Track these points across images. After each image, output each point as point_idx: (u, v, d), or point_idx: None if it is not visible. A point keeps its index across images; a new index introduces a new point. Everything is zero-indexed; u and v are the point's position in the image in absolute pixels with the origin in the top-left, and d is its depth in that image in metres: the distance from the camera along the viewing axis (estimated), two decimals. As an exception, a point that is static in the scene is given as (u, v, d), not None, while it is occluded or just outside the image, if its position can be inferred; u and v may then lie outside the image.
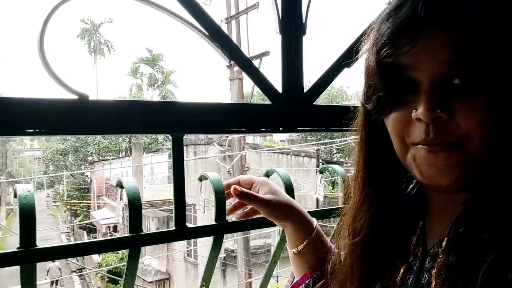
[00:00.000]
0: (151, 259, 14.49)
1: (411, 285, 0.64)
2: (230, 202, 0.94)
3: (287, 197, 0.89)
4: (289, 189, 1.00)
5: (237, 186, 0.83)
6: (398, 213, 0.70)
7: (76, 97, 0.77)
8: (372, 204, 0.69)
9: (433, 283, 0.60)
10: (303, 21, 1.02)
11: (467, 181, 0.57)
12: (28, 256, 0.73)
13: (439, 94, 0.54)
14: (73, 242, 0.80)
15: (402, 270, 0.66)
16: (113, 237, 0.83)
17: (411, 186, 0.73)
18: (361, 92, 0.67)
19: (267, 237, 12.61)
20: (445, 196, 0.64)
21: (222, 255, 11.44)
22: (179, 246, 13.44)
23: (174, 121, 0.85)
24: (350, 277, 0.72)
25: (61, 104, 0.75)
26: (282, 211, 0.86)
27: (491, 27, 0.52)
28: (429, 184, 0.61)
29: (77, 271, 19.35)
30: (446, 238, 0.60)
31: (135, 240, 0.82)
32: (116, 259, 15.48)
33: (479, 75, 0.53)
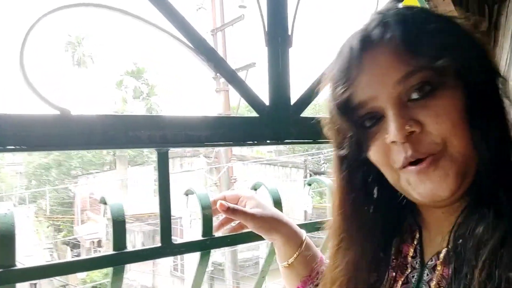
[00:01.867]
0: (137, 274, 14.21)
1: None
2: (217, 218, 0.92)
3: (274, 211, 0.88)
4: (277, 203, 0.99)
5: (223, 202, 0.82)
6: (392, 230, 0.70)
7: (57, 112, 0.75)
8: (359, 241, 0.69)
9: None
10: (289, 33, 1.03)
11: (464, 186, 0.58)
12: (7, 276, 0.70)
13: (404, 113, 0.56)
14: (54, 261, 0.78)
15: (400, 282, 0.66)
16: (96, 255, 0.81)
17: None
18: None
19: (255, 250, 12.52)
20: (442, 209, 0.64)
21: (209, 268, 11.30)
22: (166, 260, 13.23)
23: (159, 135, 0.84)
24: None
25: (42, 120, 0.74)
26: (269, 224, 0.85)
27: (424, 38, 0.55)
28: (430, 202, 0.60)
29: (60, 287, 18.85)
30: (444, 250, 0.60)
31: (119, 258, 0.80)
32: (100, 275, 15.13)
33: (433, 83, 0.56)
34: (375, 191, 0.68)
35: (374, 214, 0.68)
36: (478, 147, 0.55)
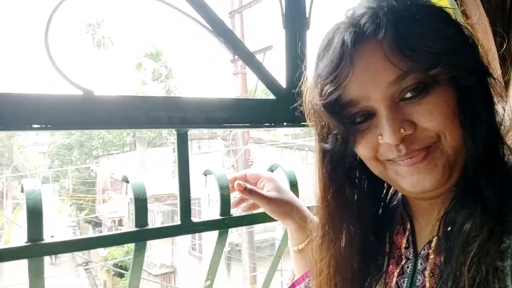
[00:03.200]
0: (157, 252, 14.60)
1: None
2: (235, 196, 0.94)
3: (290, 196, 0.89)
4: (293, 185, 1.00)
5: (241, 182, 0.83)
6: (383, 224, 0.71)
7: (81, 92, 0.77)
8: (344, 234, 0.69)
9: (427, 284, 0.60)
10: (307, 16, 1.02)
11: (452, 180, 0.58)
12: (35, 250, 0.74)
13: (397, 114, 0.56)
14: (80, 236, 0.81)
15: (396, 274, 0.66)
16: (120, 231, 0.84)
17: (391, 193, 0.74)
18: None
19: (271, 231, 12.65)
20: (429, 201, 0.64)
21: (226, 248, 11.49)
22: (184, 240, 13.52)
23: (178, 116, 0.86)
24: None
25: (66, 100, 0.76)
26: (283, 209, 0.86)
27: (419, 41, 0.54)
28: (417, 193, 0.61)
29: (83, 264, 19.54)
30: (435, 238, 0.61)
31: (141, 235, 0.83)
32: (121, 252, 15.60)
33: (426, 83, 0.55)
34: (362, 182, 0.69)
35: (360, 204, 0.68)
36: (466, 143, 0.56)
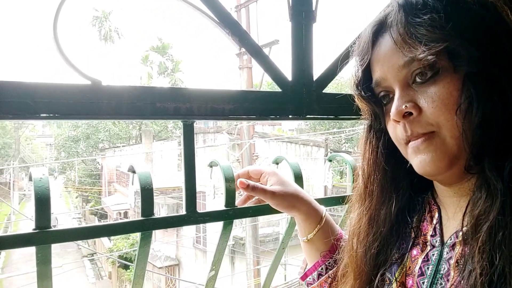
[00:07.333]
0: (161, 245, 14.70)
1: (431, 275, 0.65)
2: (240, 194, 0.95)
3: (294, 188, 0.90)
4: (298, 177, 1.01)
5: (243, 180, 0.84)
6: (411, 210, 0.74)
7: (89, 82, 0.78)
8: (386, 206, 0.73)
9: (452, 274, 0.61)
10: (313, 8, 1.02)
11: (458, 168, 0.60)
12: (43, 237, 0.75)
13: (406, 95, 0.62)
14: (88, 225, 0.82)
15: (420, 260, 0.68)
16: (126, 220, 0.85)
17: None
18: None
19: (275, 225, 12.69)
20: (454, 189, 0.65)
21: (230, 242, 11.54)
22: (189, 233, 13.61)
23: (185, 107, 0.86)
24: (363, 266, 0.74)
25: (74, 89, 0.77)
26: (288, 202, 0.87)
27: (418, 28, 0.58)
28: (422, 174, 0.64)
29: (88, 256, 19.73)
30: (463, 229, 0.61)
31: (147, 224, 0.84)
32: (126, 244, 15.74)
33: (433, 69, 0.58)
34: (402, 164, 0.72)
35: (397, 184, 0.73)
36: (465, 135, 0.57)
